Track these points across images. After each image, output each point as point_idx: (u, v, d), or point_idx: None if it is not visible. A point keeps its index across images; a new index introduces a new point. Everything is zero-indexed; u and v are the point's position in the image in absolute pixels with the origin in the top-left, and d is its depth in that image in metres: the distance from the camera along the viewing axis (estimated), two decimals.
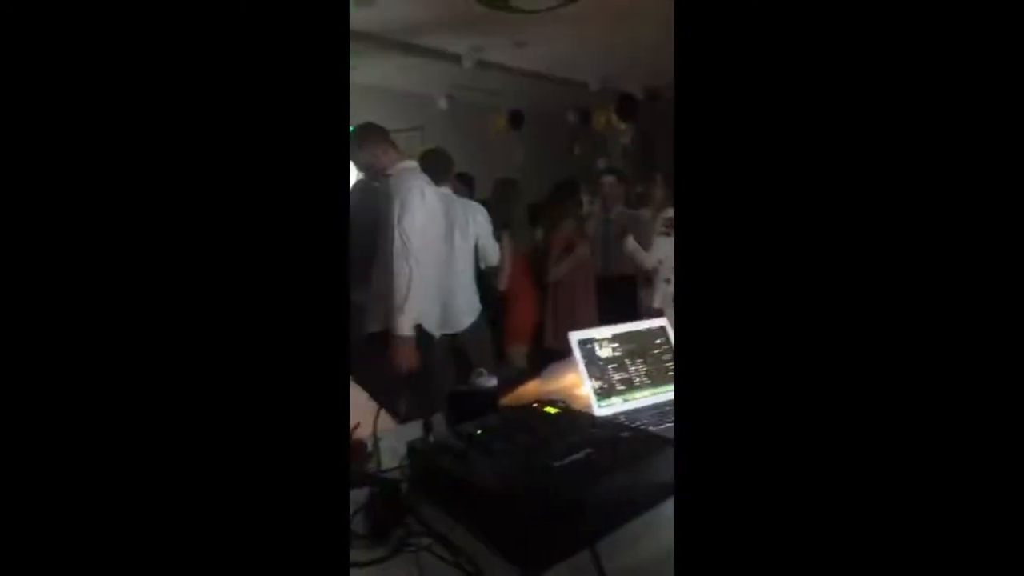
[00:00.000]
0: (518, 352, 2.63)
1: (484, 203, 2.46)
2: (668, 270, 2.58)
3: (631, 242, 2.59)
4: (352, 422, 0.90)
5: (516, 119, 4.89)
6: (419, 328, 1.75)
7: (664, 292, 2.55)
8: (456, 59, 3.97)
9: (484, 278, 2.43)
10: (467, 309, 2.29)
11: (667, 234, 2.56)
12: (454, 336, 2.27)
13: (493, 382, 1.15)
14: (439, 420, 1.12)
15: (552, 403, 0.98)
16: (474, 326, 2.33)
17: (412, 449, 0.83)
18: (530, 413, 0.93)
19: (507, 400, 1.13)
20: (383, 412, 0.98)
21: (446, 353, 2.27)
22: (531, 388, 1.19)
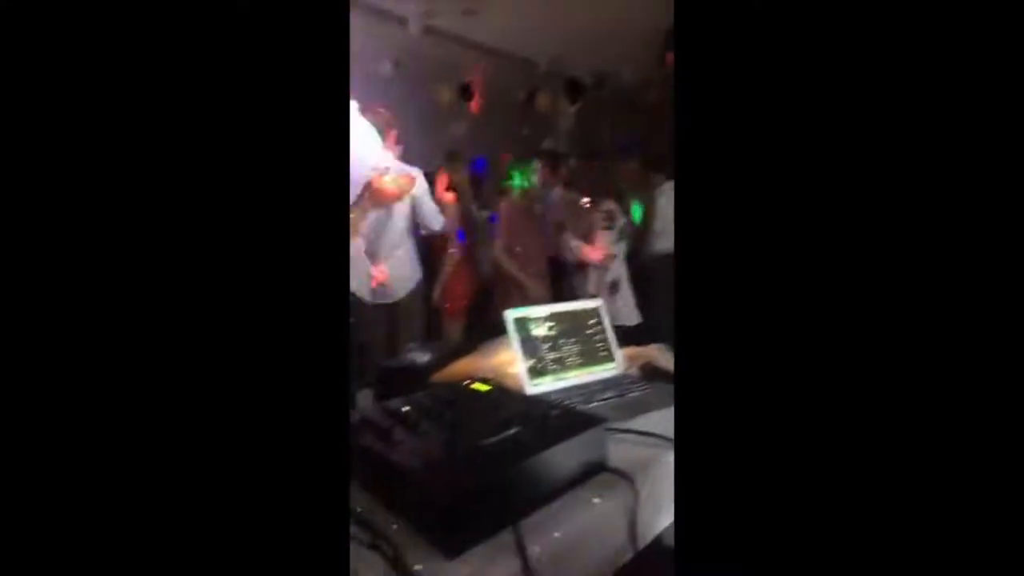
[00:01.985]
0: (455, 326, 2.60)
1: (427, 175, 2.36)
2: (612, 263, 2.60)
3: (570, 239, 2.59)
4: None
5: (465, 92, 4.76)
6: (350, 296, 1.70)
7: (598, 280, 2.59)
8: (403, 22, 3.80)
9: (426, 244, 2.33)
10: (403, 277, 2.19)
11: (608, 227, 2.59)
12: (391, 306, 2.20)
13: (425, 358, 1.12)
14: (366, 396, 1.08)
15: (484, 381, 0.97)
16: (412, 296, 2.24)
17: None
18: (460, 391, 0.91)
19: (439, 377, 1.10)
20: None
21: (381, 325, 2.19)
22: (464, 365, 1.17)
